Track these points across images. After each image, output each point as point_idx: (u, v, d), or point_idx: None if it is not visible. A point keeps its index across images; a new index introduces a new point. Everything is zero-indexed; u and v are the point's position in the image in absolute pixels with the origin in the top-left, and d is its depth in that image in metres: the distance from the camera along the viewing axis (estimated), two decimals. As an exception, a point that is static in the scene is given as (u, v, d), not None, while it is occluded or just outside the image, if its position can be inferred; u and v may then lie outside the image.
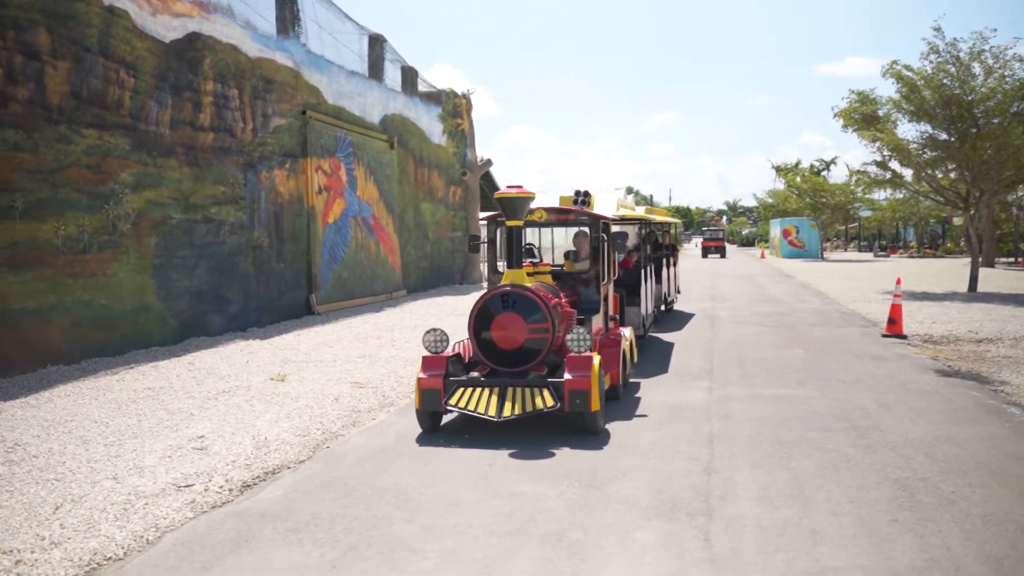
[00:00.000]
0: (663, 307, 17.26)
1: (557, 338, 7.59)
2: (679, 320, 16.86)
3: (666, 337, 14.13)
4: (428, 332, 7.78)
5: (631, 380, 9.83)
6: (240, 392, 9.44)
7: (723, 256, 60.37)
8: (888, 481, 5.95)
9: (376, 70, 22.81)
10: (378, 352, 12.41)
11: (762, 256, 58.42)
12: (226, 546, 4.95)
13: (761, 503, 5.52)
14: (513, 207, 7.72)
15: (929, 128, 23.69)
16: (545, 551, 4.76)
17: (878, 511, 5.32)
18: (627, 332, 9.37)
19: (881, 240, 71.79)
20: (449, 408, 7.25)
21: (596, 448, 6.92)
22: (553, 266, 9.91)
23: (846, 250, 73.50)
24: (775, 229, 64.12)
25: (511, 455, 6.74)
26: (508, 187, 7.86)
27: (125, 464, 6.55)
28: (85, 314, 11.10)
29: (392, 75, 24.13)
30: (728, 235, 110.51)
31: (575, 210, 9.06)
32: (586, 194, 9.09)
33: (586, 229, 14.64)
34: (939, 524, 5.07)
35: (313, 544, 4.96)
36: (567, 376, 7.17)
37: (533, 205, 8.70)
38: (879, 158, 25.09)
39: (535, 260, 8.38)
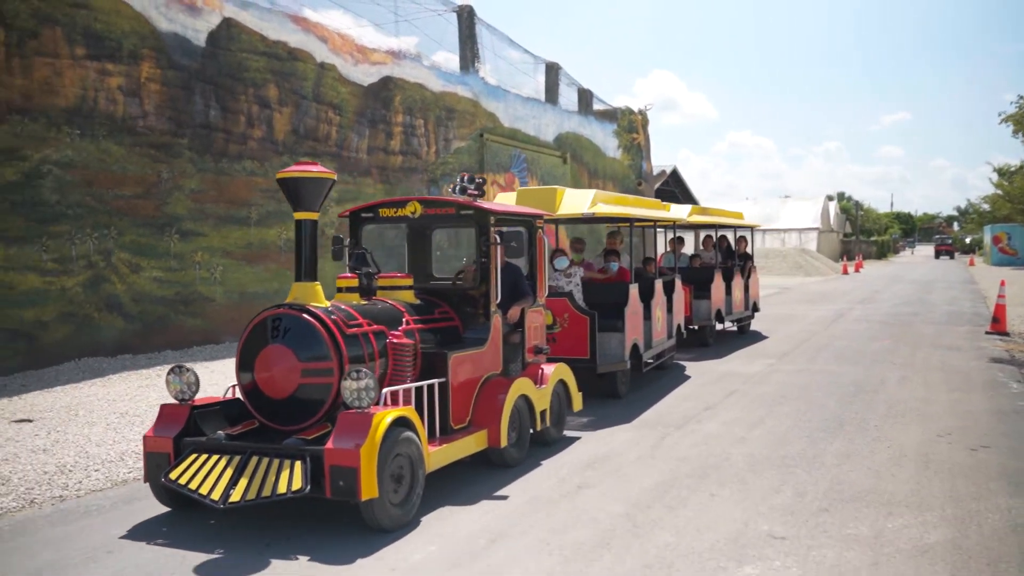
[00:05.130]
0: (734, 325, 15.69)
1: None
2: (773, 331, 18.26)
3: (728, 358, 14.14)
4: (172, 372, 5.67)
5: (567, 433, 7.60)
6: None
7: (952, 257, 72.45)
8: (833, 417, 8.05)
9: (552, 94, 25.86)
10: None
11: (971, 263, 56.42)
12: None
13: (724, 424, 7.82)
14: (298, 193, 5.54)
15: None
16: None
17: (799, 431, 7.50)
18: (550, 369, 7.25)
19: None
20: (167, 482, 5.13)
21: (342, 562, 4.62)
22: (442, 279, 7.72)
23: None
24: (987, 236, 61.59)
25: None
26: (297, 164, 5.68)
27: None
28: (299, 297, 14.65)
29: (568, 97, 27.11)
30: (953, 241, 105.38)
31: (456, 202, 6.85)
32: (472, 180, 6.95)
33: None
34: (832, 438, 7.20)
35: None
36: (329, 444, 4.94)
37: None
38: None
39: (371, 270, 6.53)
